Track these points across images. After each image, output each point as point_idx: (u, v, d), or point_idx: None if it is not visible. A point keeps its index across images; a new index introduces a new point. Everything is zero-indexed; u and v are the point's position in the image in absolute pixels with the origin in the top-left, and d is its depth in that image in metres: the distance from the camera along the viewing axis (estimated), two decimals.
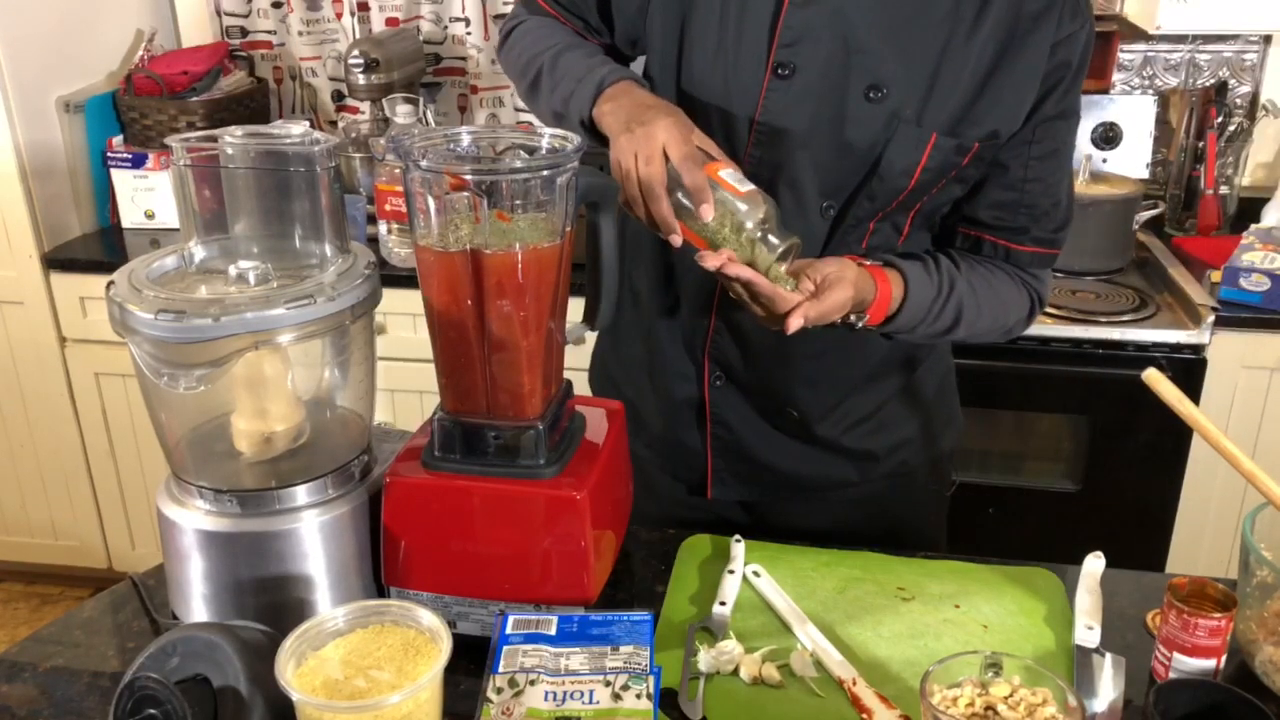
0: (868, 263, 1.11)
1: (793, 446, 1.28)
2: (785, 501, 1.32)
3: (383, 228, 2.27)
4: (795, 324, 1.00)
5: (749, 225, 1.01)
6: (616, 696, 0.86)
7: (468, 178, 0.93)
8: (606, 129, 1.09)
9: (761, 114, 1.10)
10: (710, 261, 0.99)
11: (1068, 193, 1.18)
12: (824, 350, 1.22)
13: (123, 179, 2.51)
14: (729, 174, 1.03)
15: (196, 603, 1.03)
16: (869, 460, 1.30)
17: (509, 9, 2.58)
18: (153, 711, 0.83)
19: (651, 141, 1.01)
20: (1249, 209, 2.39)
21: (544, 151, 1.00)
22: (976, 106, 1.09)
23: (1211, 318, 1.99)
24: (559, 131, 1.01)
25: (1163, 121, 2.51)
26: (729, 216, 1.02)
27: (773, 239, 1.02)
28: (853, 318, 1.09)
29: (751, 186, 1.03)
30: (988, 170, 1.14)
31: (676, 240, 1.03)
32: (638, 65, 1.27)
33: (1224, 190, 2.44)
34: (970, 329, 1.18)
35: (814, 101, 1.09)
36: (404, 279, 2.10)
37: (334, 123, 2.81)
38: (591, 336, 1.23)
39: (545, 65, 1.20)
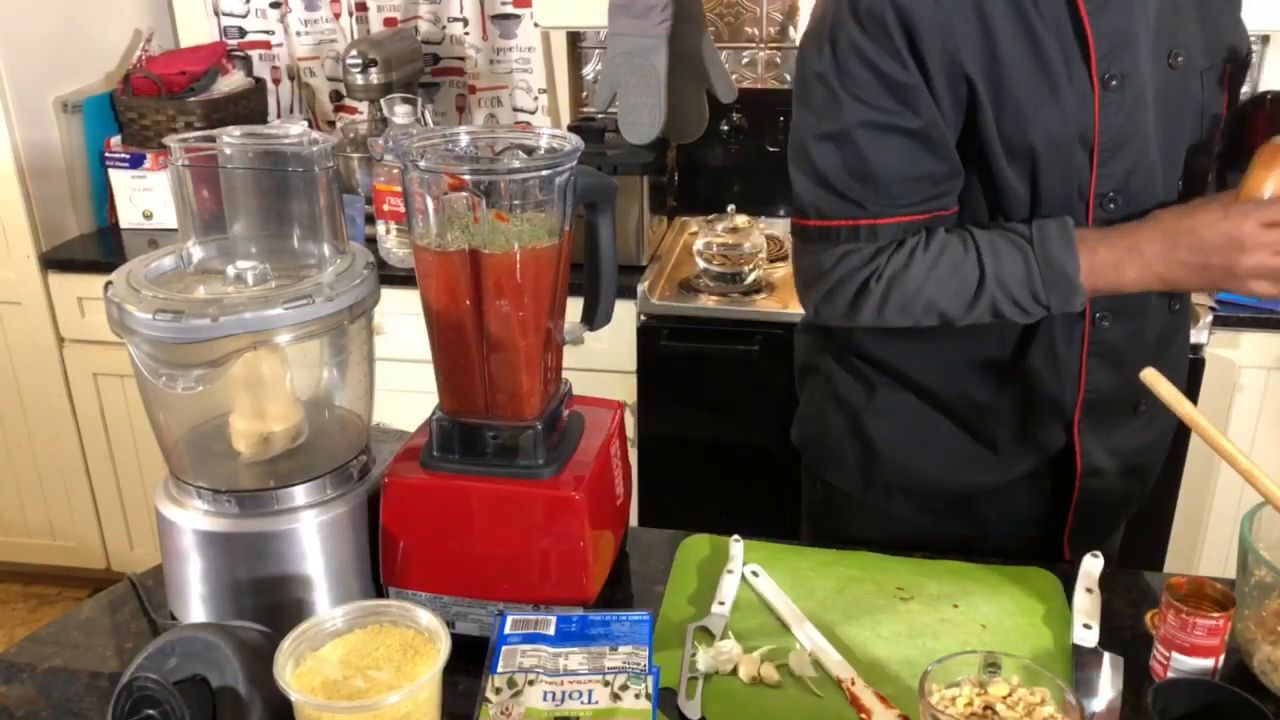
0: None
1: (1129, 464, 1.23)
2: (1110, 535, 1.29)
3: (381, 228, 2.27)
4: None
5: None
6: (615, 696, 0.86)
7: (466, 178, 0.93)
8: (1153, 286, 1.07)
9: (1101, 134, 1.07)
10: None
11: None
12: (1179, 320, 1.23)
13: (121, 179, 2.51)
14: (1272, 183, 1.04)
15: (195, 603, 1.03)
16: (1158, 464, 1.30)
17: (507, 9, 2.61)
18: (151, 712, 0.83)
19: (1256, 237, 1.01)
20: None
21: (542, 151, 1.00)
22: (1235, 24, 1.13)
23: (1209, 317, 1.99)
24: (557, 131, 1.01)
25: None
26: None
27: None
28: None
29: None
30: None
31: None
32: None
33: None
34: None
35: (1142, 99, 1.07)
36: (402, 279, 2.10)
37: (332, 123, 2.81)
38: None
39: (997, 297, 1.09)
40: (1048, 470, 1.22)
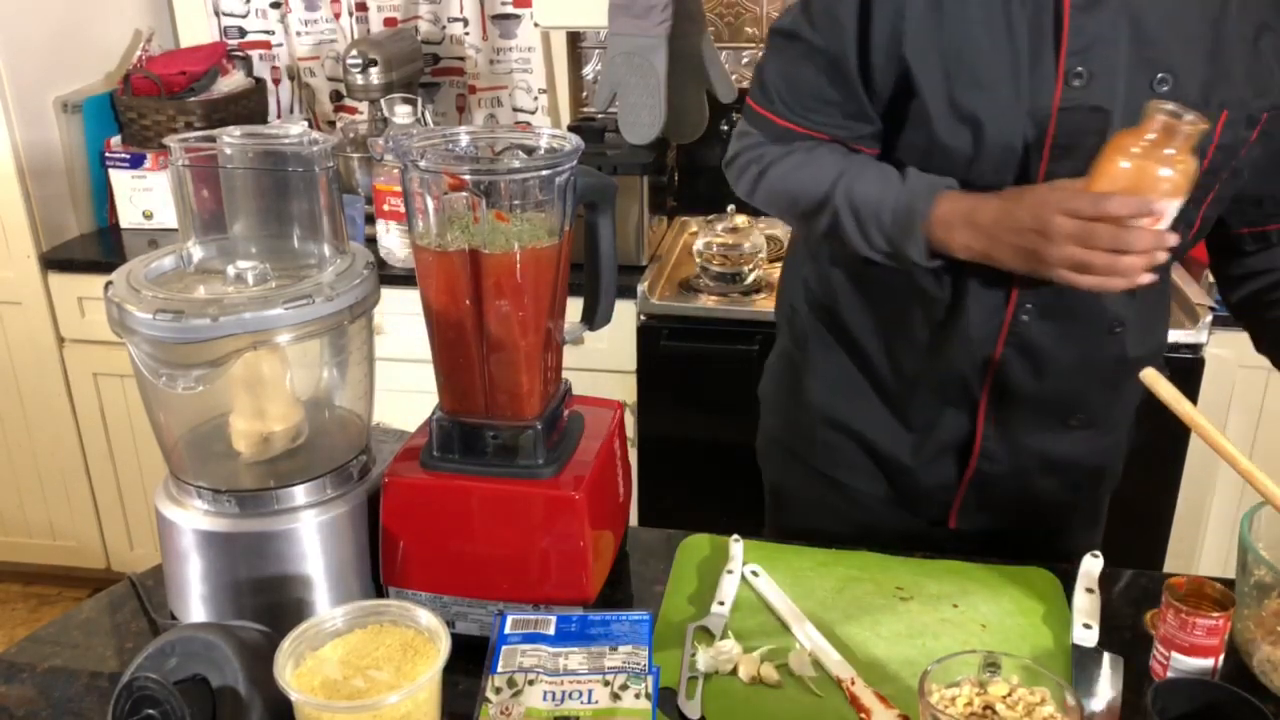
0: None
1: (1050, 466, 1.25)
2: (1018, 527, 1.29)
3: (381, 228, 2.27)
4: None
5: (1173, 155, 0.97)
6: (615, 696, 0.86)
7: (466, 178, 0.93)
8: (980, 259, 1.07)
9: (1056, 126, 1.06)
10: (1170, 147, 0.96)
11: None
12: (1123, 344, 1.18)
13: (121, 179, 2.51)
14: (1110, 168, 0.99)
15: (195, 603, 1.03)
16: (1102, 475, 1.30)
17: (507, 9, 2.61)
18: (151, 712, 0.83)
19: (1062, 225, 0.99)
20: None
21: (542, 151, 1.00)
22: (1256, 74, 1.07)
23: (1209, 317, 1.99)
24: (557, 131, 1.01)
25: None
26: (1153, 169, 0.97)
27: (1188, 120, 0.95)
28: None
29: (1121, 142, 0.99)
30: (1274, 153, 1.11)
31: (1164, 256, 1.00)
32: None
33: None
34: None
35: (1106, 105, 1.05)
36: (402, 279, 2.10)
37: (332, 123, 2.81)
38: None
39: (840, 211, 1.13)
40: (961, 452, 1.25)
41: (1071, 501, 1.30)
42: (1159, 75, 1.05)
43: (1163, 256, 1.00)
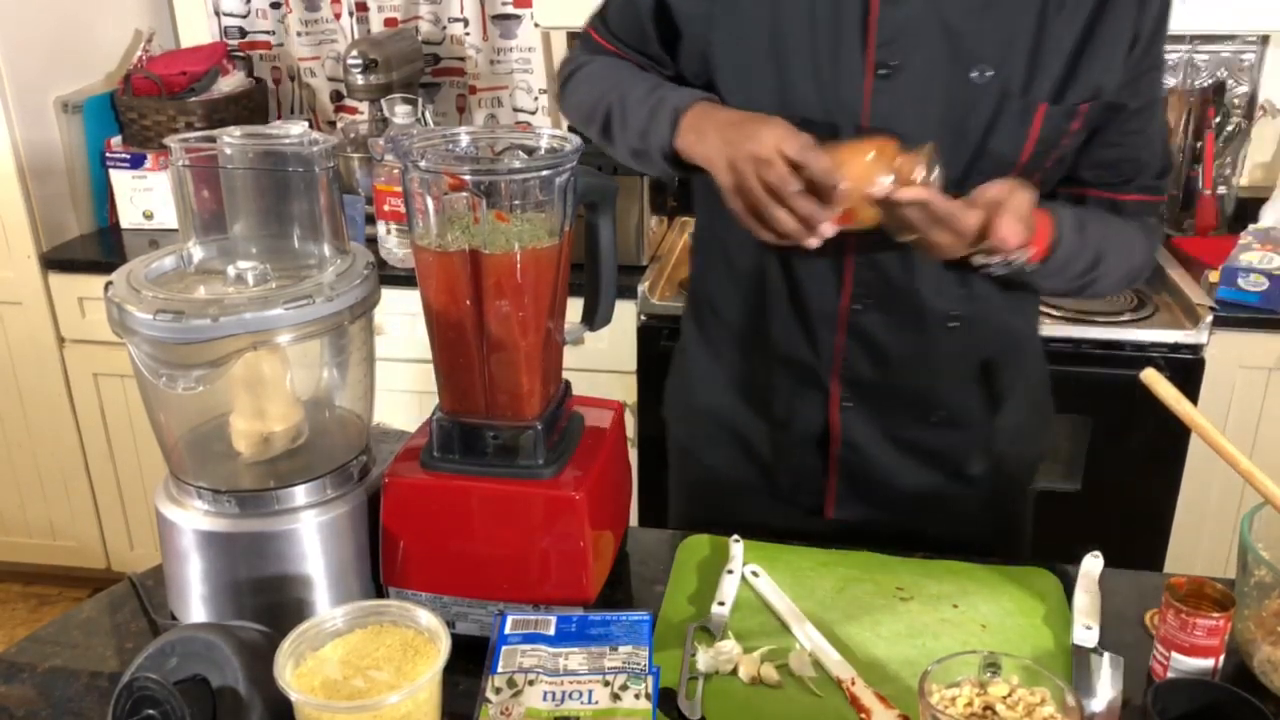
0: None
1: (921, 459, 1.25)
2: (902, 519, 1.28)
3: (381, 228, 2.27)
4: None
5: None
6: (615, 696, 0.86)
7: (466, 178, 0.93)
8: (698, 158, 1.08)
9: (870, 118, 1.07)
10: (879, 191, 0.97)
11: (1163, 140, 1.19)
12: (964, 339, 1.19)
13: (121, 179, 2.51)
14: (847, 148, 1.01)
15: (195, 603, 1.03)
16: (991, 466, 1.29)
17: (507, 9, 2.61)
18: (151, 712, 0.83)
19: (762, 146, 0.99)
20: (1247, 209, 2.39)
21: (542, 151, 1.00)
22: (1077, 68, 1.07)
23: (1209, 318, 1.99)
24: (558, 131, 1.01)
25: None
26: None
27: (921, 170, 0.98)
28: (1018, 256, 1.03)
29: (872, 147, 1.00)
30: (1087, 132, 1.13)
31: (814, 242, 1.00)
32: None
33: (1222, 190, 2.44)
34: (1105, 270, 1.16)
35: (920, 95, 1.06)
36: (403, 279, 2.10)
37: (332, 123, 2.81)
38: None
39: (613, 105, 1.18)
40: (822, 442, 1.26)
41: (968, 496, 1.28)
42: (976, 66, 1.06)
43: (813, 241, 1.00)
